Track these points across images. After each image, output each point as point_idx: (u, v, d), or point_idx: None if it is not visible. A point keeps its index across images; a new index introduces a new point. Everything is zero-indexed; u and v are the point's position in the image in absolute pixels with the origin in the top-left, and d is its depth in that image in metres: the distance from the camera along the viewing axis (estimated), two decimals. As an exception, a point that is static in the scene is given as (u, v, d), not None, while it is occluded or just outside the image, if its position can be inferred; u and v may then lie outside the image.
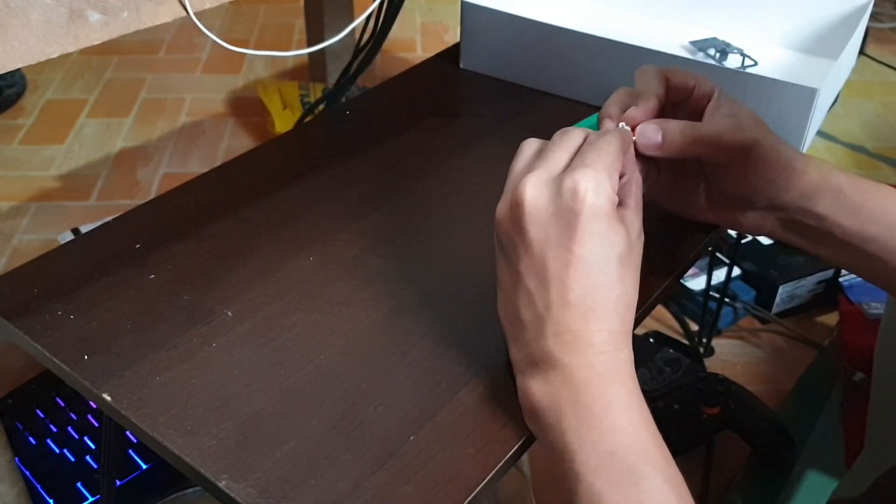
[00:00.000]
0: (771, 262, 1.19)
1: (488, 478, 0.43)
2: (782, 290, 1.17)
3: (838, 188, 0.52)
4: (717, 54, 0.80)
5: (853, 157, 1.57)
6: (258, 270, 0.56)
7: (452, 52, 0.84)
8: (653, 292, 0.56)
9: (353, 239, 0.59)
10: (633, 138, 0.51)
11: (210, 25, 0.55)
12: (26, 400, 0.94)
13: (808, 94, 0.65)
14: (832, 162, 1.53)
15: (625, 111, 0.52)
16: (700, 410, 0.93)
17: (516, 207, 0.45)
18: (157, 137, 1.56)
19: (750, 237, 1.22)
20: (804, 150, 0.68)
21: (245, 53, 0.65)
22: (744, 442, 0.96)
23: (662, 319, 1.19)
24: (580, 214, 0.43)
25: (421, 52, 1.88)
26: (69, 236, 1.18)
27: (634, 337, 0.46)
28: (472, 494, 0.42)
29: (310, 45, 1.50)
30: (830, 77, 0.68)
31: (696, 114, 0.54)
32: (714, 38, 0.82)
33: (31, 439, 0.90)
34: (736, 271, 1.20)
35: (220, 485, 0.42)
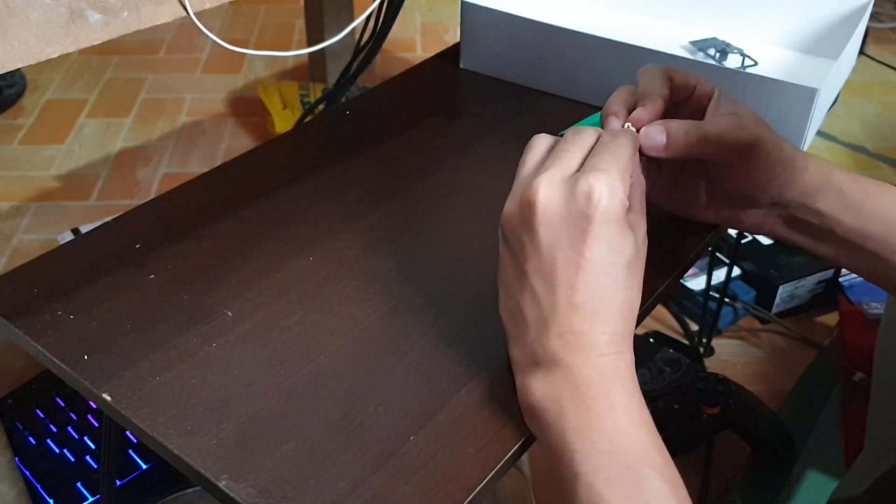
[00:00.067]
0: (771, 262, 1.19)
1: (488, 478, 0.43)
2: (782, 290, 1.17)
3: (839, 186, 0.52)
4: (717, 54, 0.80)
5: (853, 157, 1.57)
6: (258, 270, 0.56)
7: (452, 52, 0.84)
8: (653, 292, 0.56)
9: (353, 239, 0.59)
10: (630, 126, 0.51)
11: (210, 25, 0.55)
12: (26, 400, 0.94)
13: (808, 94, 0.65)
14: (832, 162, 1.53)
15: (629, 110, 0.52)
16: (700, 410, 0.93)
17: (528, 207, 0.44)
18: (157, 137, 1.56)
19: (750, 237, 1.22)
20: (804, 150, 0.68)
21: (245, 53, 0.65)
22: (744, 442, 0.96)
23: (662, 319, 1.19)
24: (593, 219, 0.43)
25: (421, 52, 1.88)
26: (69, 236, 1.18)
27: (634, 337, 0.46)
28: (472, 494, 0.42)
29: (310, 45, 1.50)
30: (830, 77, 0.68)
31: (698, 113, 0.54)
32: (714, 38, 0.82)
33: (31, 439, 0.90)
34: (736, 271, 1.20)
35: (220, 485, 0.42)
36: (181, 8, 0.50)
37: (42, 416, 0.92)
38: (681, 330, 1.17)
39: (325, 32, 1.44)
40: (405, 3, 0.85)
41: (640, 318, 0.55)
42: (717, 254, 1.15)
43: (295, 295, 0.54)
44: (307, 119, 0.96)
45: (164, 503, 0.85)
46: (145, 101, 1.67)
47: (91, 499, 0.84)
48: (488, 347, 0.50)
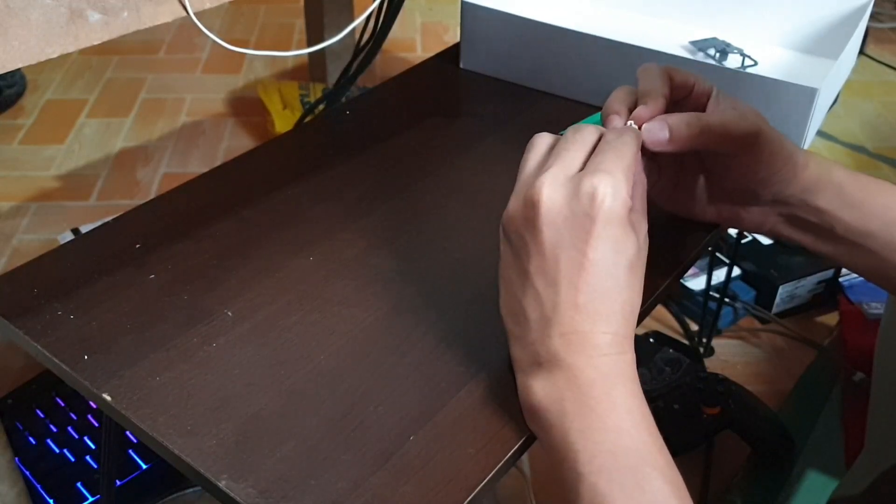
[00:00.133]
0: (771, 262, 1.19)
1: (488, 478, 0.43)
2: (782, 290, 1.17)
3: (840, 183, 0.53)
4: (717, 54, 0.80)
5: (853, 157, 1.57)
6: (258, 270, 0.56)
7: (452, 52, 0.84)
8: (653, 292, 0.56)
9: (353, 239, 0.59)
10: (632, 123, 0.51)
11: (210, 25, 0.55)
12: (26, 400, 0.94)
13: (808, 94, 0.65)
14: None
15: (629, 109, 0.52)
16: (700, 410, 0.93)
17: (531, 207, 0.44)
18: (157, 137, 1.56)
19: (750, 237, 1.22)
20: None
21: (245, 53, 0.65)
22: (744, 442, 0.96)
23: (662, 319, 1.19)
24: (596, 219, 0.43)
25: (421, 52, 1.88)
26: (69, 236, 1.18)
27: (634, 337, 0.46)
28: (472, 494, 0.42)
29: (310, 45, 1.50)
30: (830, 77, 0.68)
31: (697, 111, 0.54)
32: (714, 38, 0.82)
33: (31, 439, 0.90)
34: (736, 271, 1.20)
35: (220, 485, 0.42)
36: (181, 8, 0.50)
37: (42, 416, 0.92)
38: (681, 330, 1.17)
39: (325, 32, 1.44)
40: (405, 3, 0.85)
41: (641, 319, 0.55)
42: (717, 254, 1.15)
43: (295, 295, 0.54)
44: (307, 119, 0.96)
45: (164, 503, 0.85)
46: (145, 101, 1.67)
47: (91, 499, 0.84)
48: (488, 347, 0.50)
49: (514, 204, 0.46)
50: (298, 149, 0.71)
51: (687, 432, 0.94)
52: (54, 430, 0.91)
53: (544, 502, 0.90)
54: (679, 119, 0.51)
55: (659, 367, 0.97)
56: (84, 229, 1.19)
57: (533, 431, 0.45)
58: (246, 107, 1.64)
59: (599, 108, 0.54)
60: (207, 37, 0.55)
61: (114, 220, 0.61)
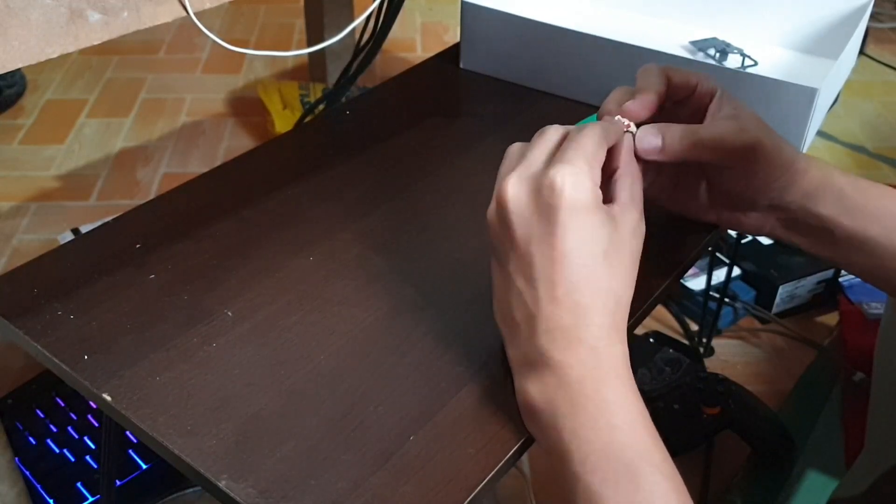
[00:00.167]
0: (771, 262, 1.19)
1: (488, 478, 0.43)
2: (782, 290, 1.17)
3: (840, 189, 0.52)
4: (717, 54, 0.80)
5: (853, 157, 1.57)
6: (258, 270, 0.56)
7: (452, 52, 0.84)
8: (653, 292, 0.56)
9: (353, 239, 0.59)
10: (628, 131, 0.51)
11: (210, 25, 0.55)
12: (26, 400, 0.94)
13: (808, 94, 0.65)
14: (832, 162, 1.53)
15: None
16: (700, 410, 0.93)
17: (500, 208, 0.45)
18: (157, 137, 1.56)
19: (750, 237, 1.22)
20: (804, 150, 0.68)
21: (245, 53, 0.65)
22: (744, 442, 0.96)
23: (662, 319, 1.19)
24: (559, 209, 0.43)
25: (421, 52, 1.88)
26: (69, 236, 1.18)
27: (634, 337, 0.46)
28: (472, 494, 0.42)
29: (310, 45, 1.50)
30: (830, 77, 0.68)
31: (699, 112, 0.54)
32: (714, 38, 0.82)
33: (31, 439, 0.90)
34: (736, 271, 1.20)
35: (220, 485, 0.42)
36: (181, 8, 0.50)
37: (42, 416, 0.92)
38: (681, 330, 1.17)
39: (325, 32, 1.44)
40: (405, 3, 0.85)
41: (640, 319, 0.55)
42: (717, 254, 1.15)
43: (295, 295, 0.54)
44: (307, 119, 0.96)
45: (164, 503, 0.85)
46: (145, 101, 1.67)
47: (91, 499, 0.84)
48: (488, 347, 0.50)
49: (490, 209, 0.47)
50: (298, 149, 0.71)
51: (687, 432, 0.94)
52: (54, 430, 0.91)
53: (544, 502, 0.90)
54: (673, 131, 0.51)
55: (659, 367, 0.97)
56: (84, 229, 1.19)
57: (530, 432, 0.45)
58: (246, 107, 1.64)
59: (599, 108, 0.54)
60: (207, 37, 0.55)
61: (114, 220, 0.61)
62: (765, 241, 1.23)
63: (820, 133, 1.60)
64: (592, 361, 0.42)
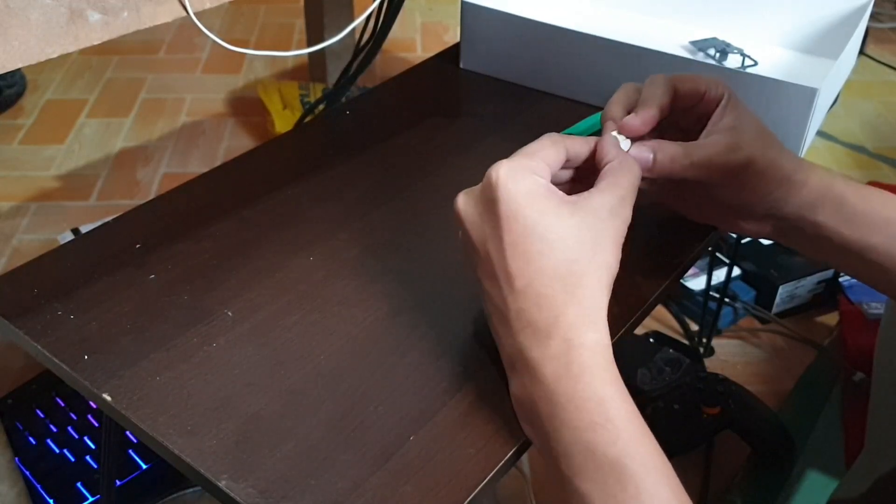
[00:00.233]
0: (771, 262, 1.19)
1: (488, 478, 0.43)
2: (782, 290, 1.17)
3: (840, 197, 0.52)
4: (717, 54, 0.80)
5: (853, 157, 1.57)
6: (258, 270, 0.56)
7: (452, 52, 0.84)
8: (653, 292, 0.56)
9: (352, 239, 0.59)
10: (615, 134, 0.51)
11: (210, 25, 0.55)
12: (26, 400, 0.94)
13: (808, 94, 0.65)
14: (832, 162, 1.53)
15: (627, 113, 0.52)
16: (700, 410, 0.93)
17: (457, 224, 0.47)
18: (157, 137, 1.56)
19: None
20: (804, 150, 0.68)
21: (245, 53, 0.65)
22: (744, 442, 0.96)
23: (662, 319, 1.19)
24: (499, 201, 0.43)
25: (421, 52, 1.88)
26: (69, 236, 1.18)
27: (634, 337, 0.46)
28: (472, 494, 0.42)
29: (310, 45, 1.50)
30: (830, 77, 0.68)
31: (704, 118, 0.54)
32: (714, 38, 0.82)
33: (31, 439, 0.90)
34: (736, 271, 1.20)
35: (220, 485, 0.42)
36: (181, 8, 0.50)
37: (42, 416, 0.92)
38: (681, 330, 1.17)
39: (325, 32, 1.44)
40: (405, 3, 0.85)
41: (640, 319, 0.55)
42: (717, 254, 1.15)
43: (295, 295, 0.54)
44: (307, 119, 0.96)
45: (164, 503, 0.85)
46: (145, 101, 1.67)
47: (91, 499, 0.84)
48: (488, 347, 0.50)
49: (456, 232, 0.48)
50: (298, 149, 0.71)
51: (687, 432, 0.94)
52: (54, 430, 0.91)
53: (544, 502, 0.90)
54: (665, 151, 0.51)
55: (659, 367, 0.97)
56: (84, 229, 1.19)
57: (525, 433, 0.45)
58: (246, 107, 1.64)
59: (599, 108, 0.54)
60: (207, 37, 0.55)
61: (114, 220, 0.61)
62: (765, 241, 1.23)
63: (820, 133, 1.60)
64: (566, 357, 0.42)
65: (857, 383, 1.01)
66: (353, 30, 0.71)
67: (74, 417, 0.92)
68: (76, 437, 0.90)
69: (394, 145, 0.71)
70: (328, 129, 0.75)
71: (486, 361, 0.50)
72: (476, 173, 0.46)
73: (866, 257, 0.52)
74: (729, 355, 1.14)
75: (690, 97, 0.54)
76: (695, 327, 1.16)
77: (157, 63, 1.81)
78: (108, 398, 0.47)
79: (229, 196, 0.63)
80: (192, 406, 0.46)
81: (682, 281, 1.17)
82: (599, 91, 0.75)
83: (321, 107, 1.05)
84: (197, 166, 1.47)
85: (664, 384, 0.95)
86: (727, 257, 1.15)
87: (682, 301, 1.19)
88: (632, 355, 0.97)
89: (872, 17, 1.86)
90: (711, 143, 0.51)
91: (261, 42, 1.88)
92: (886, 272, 0.52)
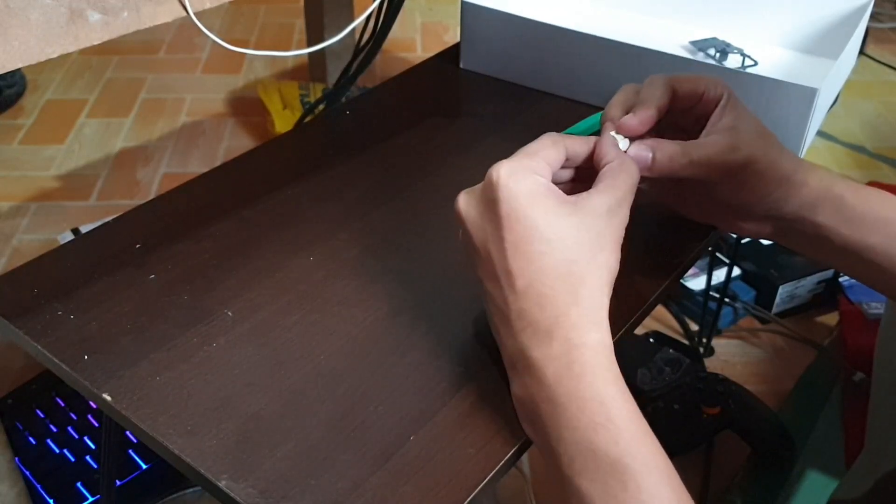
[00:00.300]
0: (771, 262, 1.20)
1: (488, 478, 0.43)
2: (782, 290, 1.17)
3: (840, 198, 0.52)
4: (717, 54, 0.80)
5: (853, 157, 1.57)
6: (258, 270, 0.56)
7: (452, 52, 0.84)
8: (653, 292, 0.56)
9: (352, 239, 0.59)
10: (614, 134, 0.51)
11: (210, 25, 0.55)
12: (26, 400, 0.94)
13: (808, 94, 0.65)
14: (832, 162, 1.53)
15: (626, 113, 0.52)
16: (700, 410, 0.93)
17: (458, 224, 0.47)
18: (157, 137, 1.56)
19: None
20: (804, 151, 0.68)
21: (245, 53, 0.65)
22: (744, 442, 0.96)
23: (662, 319, 1.19)
24: (499, 201, 0.43)
25: (421, 52, 1.88)
26: (69, 236, 1.18)
27: (634, 337, 0.46)
28: (472, 494, 0.42)
29: (310, 45, 1.50)
30: (830, 77, 0.68)
31: (703, 118, 0.54)
32: (714, 38, 0.82)
33: (31, 439, 0.90)
34: (736, 271, 1.20)
35: (220, 485, 0.42)
36: (181, 8, 0.50)
37: (42, 416, 0.92)
38: (681, 330, 1.17)
39: (325, 32, 1.44)
40: (405, 3, 0.85)
41: (640, 319, 0.55)
42: (717, 254, 1.15)
43: (295, 295, 0.54)
44: (307, 119, 0.96)
45: (164, 503, 0.85)
46: (145, 101, 1.67)
47: (91, 499, 0.84)
48: (488, 347, 0.50)
49: (457, 233, 0.48)
50: (298, 149, 0.71)
51: (687, 432, 0.94)
52: (54, 430, 0.91)
53: (544, 502, 0.90)
54: (664, 149, 0.51)
55: (659, 367, 0.97)
56: (84, 229, 1.19)
57: (526, 433, 0.45)
58: (246, 107, 1.64)
59: (599, 108, 0.54)
60: (207, 37, 0.55)
61: (114, 220, 0.61)
62: (765, 241, 1.23)
63: (820, 133, 1.60)
64: (567, 357, 0.42)
65: (857, 383, 1.01)
66: (353, 30, 0.71)
67: (74, 417, 0.92)
68: (76, 437, 0.90)
69: (394, 145, 0.71)
70: (328, 129, 0.75)
71: (487, 361, 0.50)
72: (476, 173, 0.46)
73: (865, 257, 0.52)
74: (729, 355, 1.14)
75: (689, 98, 0.54)
76: (695, 327, 1.16)
77: (157, 63, 1.81)
78: (108, 398, 0.47)
79: (229, 196, 0.63)
80: (192, 406, 0.46)
81: (682, 281, 1.17)
82: (599, 91, 0.75)
83: (321, 107, 1.05)
84: (197, 166, 1.47)
85: (664, 384, 0.95)
86: (727, 257, 1.15)
87: (682, 301, 1.19)
88: (632, 355, 0.97)
89: (872, 17, 1.86)
90: (711, 143, 0.51)
91: (261, 42, 1.88)
92: (885, 272, 0.52)
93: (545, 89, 0.79)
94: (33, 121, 1.60)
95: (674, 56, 0.70)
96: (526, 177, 0.44)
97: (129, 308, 0.53)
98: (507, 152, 0.46)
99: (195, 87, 1.71)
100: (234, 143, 1.54)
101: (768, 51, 0.82)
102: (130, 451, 0.88)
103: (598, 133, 0.52)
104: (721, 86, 0.54)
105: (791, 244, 0.56)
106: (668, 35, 0.85)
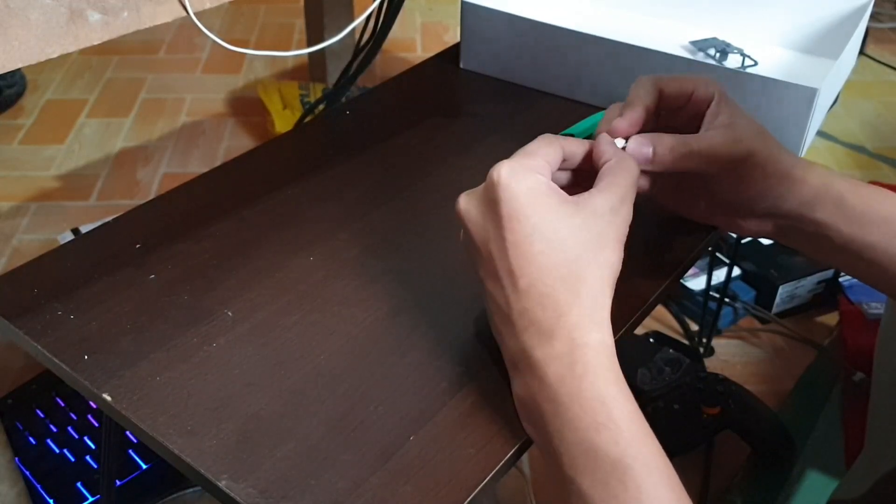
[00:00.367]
0: (771, 262, 1.20)
1: (488, 478, 0.43)
2: (782, 290, 1.17)
3: (839, 195, 0.52)
4: (717, 54, 0.80)
5: (853, 157, 1.57)
6: (258, 270, 0.56)
7: (452, 52, 0.84)
8: (653, 292, 0.56)
9: (352, 239, 0.59)
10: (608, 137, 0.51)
11: (210, 25, 0.55)
12: (26, 400, 0.94)
13: (808, 94, 0.65)
14: (832, 162, 1.53)
15: None
16: (700, 410, 0.93)
17: (460, 223, 0.47)
18: (157, 137, 1.56)
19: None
20: (804, 150, 0.68)
21: (245, 53, 0.65)
22: (744, 442, 0.96)
23: (662, 319, 1.19)
24: (500, 201, 0.43)
25: (421, 52, 1.88)
26: (69, 236, 1.18)
27: (634, 337, 0.46)
28: (472, 494, 0.42)
29: (310, 45, 1.50)
30: (830, 77, 0.68)
31: (696, 118, 0.54)
32: (714, 38, 0.82)
33: (31, 439, 0.90)
34: (736, 271, 1.20)
35: (220, 485, 0.42)
36: (181, 8, 0.50)
37: (42, 416, 0.92)
38: (681, 330, 1.17)
39: (325, 32, 1.44)
40: (405, 3, 0.85)
41: (640, 319, 0.55)
42: (717, 254, 1.15)
43: (295, 295, 0.54)
44: (307, 119, 0.96)
45: (164, 503, 0.85)
46: (145, 101, 1.67)
47: (91, 499, 0.84)
48: (488, 347, 0.50)
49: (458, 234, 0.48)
50: (298, 149, 0.71)
51: (687, 432, 0.94)
52: (54, 430, 0.91)
53: (544, 502, 0.90)
54: (664, 142, 0.51)
55: (659, 367, 0.97)
56: (84, 229, 1.19)
57: (527, 433, 0.45)
58: (246, 107, 1.64)
59: (599, 108, 0.54)
60: (207, 37, 0.55)
61: (114, 220, 0.61)
62: (765, 241, 1.23)
63: (820, 133, 1.60)
64: (569, 356, 0.42)
65: (857, 383, 1.01)
66: (353, 30, 0.71)
67: (74, 417, 0.92)
68: (76, 437, 0.90)
69: (394, 145, 0.71)
70: (328, 129, 0.75)
71: (487, 361, 0.50)
72: (476, 173, 0.47)
73: (866, 256, 0.52)
74: (729, 355, 1.14)
75: (678, 97, 0.54)
76: (695, 327, 1.16)
77: (157, 63, 1.81)
78: (108, 398, 0.47)
79: (229, 196, 0.63)
80: (192, 406, 0.46)
81: (682, 281, 1.17)
82: (599, 91, 0.75)
83: (321, 107, 1.05)
84: (197, 166, 1.47)
85: (664, 384, 0.95)
86: (727, 257, 1.15)
87: (682, 301, 1.19)
88: (632, 355, 0.97)
89: (872, 17, 1.86)
90: (711, 135, 0.52)
91: (261, 42, 1.88)
92: (885, 271, 0.52)
93: (545, 89, 0.79)
94: (33, 121, 1.60)
95: (674, 56, 0.70)
96: (527, 176, 0.44)
97: (129, 308, 0.53)
98: (507, 152, 0.46)
99: (195, 87, 1.71)
100: (234, 143, 1.54)
101: (768, 51, 0.82)
102: (130, 451, 0.88)
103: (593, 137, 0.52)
104: (711, 85, 0.54)
105: (791, 243, 0.56)
106: (668, 35, 0.85)
